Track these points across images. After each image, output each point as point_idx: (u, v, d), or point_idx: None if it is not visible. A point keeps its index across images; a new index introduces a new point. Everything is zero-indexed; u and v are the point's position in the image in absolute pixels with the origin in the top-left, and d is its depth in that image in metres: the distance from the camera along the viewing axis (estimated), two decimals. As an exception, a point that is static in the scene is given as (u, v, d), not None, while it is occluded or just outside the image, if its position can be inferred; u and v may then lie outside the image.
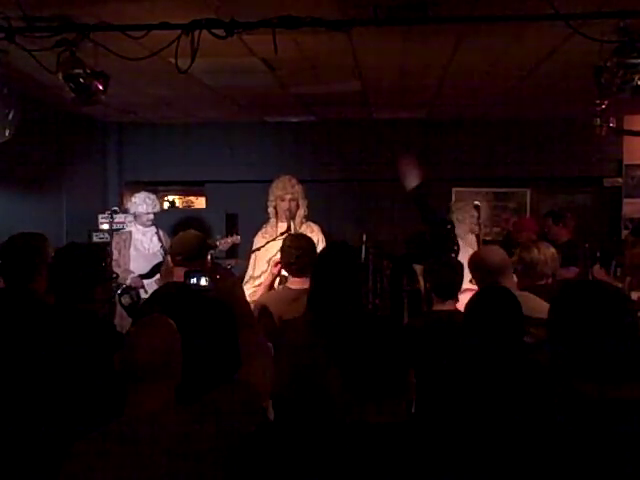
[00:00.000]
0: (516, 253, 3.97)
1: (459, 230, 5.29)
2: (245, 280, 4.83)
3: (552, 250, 3.95)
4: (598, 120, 6.14)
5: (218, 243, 5.78)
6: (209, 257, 3.68)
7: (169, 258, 3.83)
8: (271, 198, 4.92)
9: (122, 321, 5.59)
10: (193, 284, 2.39)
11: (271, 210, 4.92)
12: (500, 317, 2.46)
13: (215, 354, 2.54)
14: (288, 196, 4.83)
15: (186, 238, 3.58)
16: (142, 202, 6.13)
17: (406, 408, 2.01)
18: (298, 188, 4.89)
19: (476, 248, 5.04)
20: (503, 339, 2.42)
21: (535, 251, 3.86)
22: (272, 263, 4.24)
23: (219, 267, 2.90)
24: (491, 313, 2.47)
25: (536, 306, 3.05)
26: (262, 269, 4.81)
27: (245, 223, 6.53)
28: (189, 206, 9.28)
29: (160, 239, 6.18)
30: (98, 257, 2.84)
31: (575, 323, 1.74)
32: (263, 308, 3.42)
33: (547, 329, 1.84)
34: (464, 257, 4.95)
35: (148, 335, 2.02)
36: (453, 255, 5.13)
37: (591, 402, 1.67)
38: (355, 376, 1.90)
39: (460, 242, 5.21)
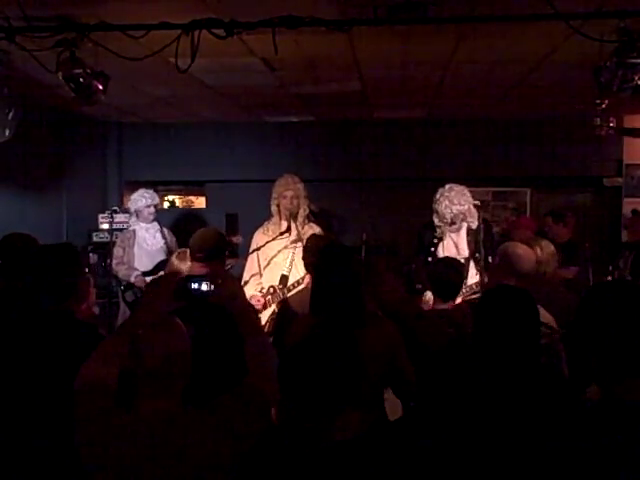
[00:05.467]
0: None
1: (443, 227, 5.01)
2: (245, 279, 4.83)
3: (552, 248, 3.98)
4: (598, 120, 6.15)
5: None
6: (227, 253, 3.66)
7: (173, 258, 3.82)
8: (274, 196, 4.89)
9: (125, 318, 5.61)
10: (194, 289, 2.35)
11: (274, 208, 4.90)
12: (516, 319, 2.40)
13: (219, 359, 2.53)
14: (290, 193, 4.81)
15: (208, 236, 3.51)
16: (140, 197, 6.14)
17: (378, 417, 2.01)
18: (300, 186, 4.89)
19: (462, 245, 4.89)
20: (518, 342, 2.36)
21: (538, 250, 3.87)
22: (254, 300, 4.32)
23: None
24: (507, 314, 2.41)
25: (547, 316, 3.07)
26: (255, 271, 4.81)
27: (245, 223, 6.53)
28: (189, 206, 9.29)
29: (164, 236, 6.19)
30: (71, 253, 2.73)
31: (609, 324, 1.74)
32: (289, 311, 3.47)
33: (576, 331, 1.84)
34: (449, 253, 4.88)
35: (159, 337, 2.01)
36: (432, 250, 4.99)
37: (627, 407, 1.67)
38: (305, 396, 1.89)
39: (445, 238, 4.99)
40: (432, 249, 4.97)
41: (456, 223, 4.86)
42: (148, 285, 2.40)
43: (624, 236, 6.93)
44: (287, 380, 1.91)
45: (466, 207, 4.82)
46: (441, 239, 4.97)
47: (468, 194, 4.90)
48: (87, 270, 3.02)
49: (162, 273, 5.80)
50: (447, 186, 4.94)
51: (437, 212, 4.93)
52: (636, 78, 3.47)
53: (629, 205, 7.32)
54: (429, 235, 5.07)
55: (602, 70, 3.54)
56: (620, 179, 7.52)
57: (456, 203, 4.81)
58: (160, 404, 1.96)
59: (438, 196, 4.93)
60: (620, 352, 1.73)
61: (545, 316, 2.98)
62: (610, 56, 3.46)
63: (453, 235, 4.91)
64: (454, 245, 4.91)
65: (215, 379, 2.37)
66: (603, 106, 5.14)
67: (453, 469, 2.07)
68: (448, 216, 4.83)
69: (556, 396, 2.24)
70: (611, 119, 6.22)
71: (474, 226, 4.87)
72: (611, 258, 5.91)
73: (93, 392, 1.99)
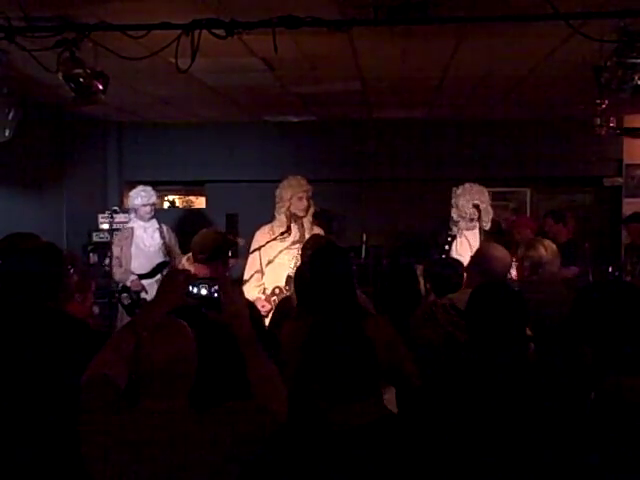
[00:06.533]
0: (520, 251, 3.97)
1: (461, 223, 5.09)
2: (245, 278, 4.82)
3: (555, 247, 3.96)
4: (598, 120, 6.15)
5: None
6: (229, 253, 3.62)
7: (184, 260, 3.80)
8: (286, 197, 4.76)
9: (123, 320, 5.57)
10: (192, 293, 2.31)
11: (283, 211, 4.78)
12: (505, 313, 2.42)
13: (218, 362, 2.51)
14: (305, 194, 4.78)
15: (210, 236, 3.49)
16: (137, 195, 6.05)
17: (377, 406, 2.05)
18: (310, 187, 4.87)
19: (473, 243, 4.91)
20: (507, 336, 2.39)
21: (542, 250, 3.86)
22: (259, 304, 4.30)
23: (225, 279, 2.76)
24: (496, 309, 2.43)
25: None
26: (256, 269, 4.80)
27: (245, 223, 6.53)
28: (189, 206, 9.29)
29: (162, 236, 6.11)
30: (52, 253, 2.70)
31: (604, 321, 1.76)
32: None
33: (569, 328, 1.86)
34: (464, 251, 4.92)
35: (164, 340, 2.01)
36: (446, 248, 5.05)
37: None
38: (328, 381, 1.92)
39: (460, 236, 5.07)
40: (446, 247, 5.04)
41: (473, 220, 4.93)
42: (164, 278, 2.36)
43: (624, 237, 6.93)
44: (309, 370, 1.93)
45: (484, 206, 4.91)
46: (455, 237, 5.04)
47: (487, 195, 5.02)
48: (86, 271, 3.02)
49: (160, 276, 5.77)
50: (467, 184, 5.05)
51: (457, 206, 5.01)
52: (636, 78, 3.46)
53: (629, 205, 7.33)
54: (443, 233, 5.15)
55: (602, 70, 3.54)
56: (620, 179, 7.52)
57: (477, 199, 4.90)
58: (165, 404, 1.96)
59: (459, 191, 5.02)
60: (612, 350, 1.75)
61: None
62: (610, 56, 3.46)
63: (467, 233, 4.97)
64: (468, 244, 4.95)
65: (216, 381, 2.36)
66: (603, 106, 5.15)
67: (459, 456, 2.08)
68: (468, 211, 4.91)
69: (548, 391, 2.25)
70: (611, 119, 6.22)
71: (487, 227, 4.94)
72: (611, 258, 5.91)
73: (99, 388, 1.99)
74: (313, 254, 3.22)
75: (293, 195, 4.75)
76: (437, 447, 2.05)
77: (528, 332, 3.09)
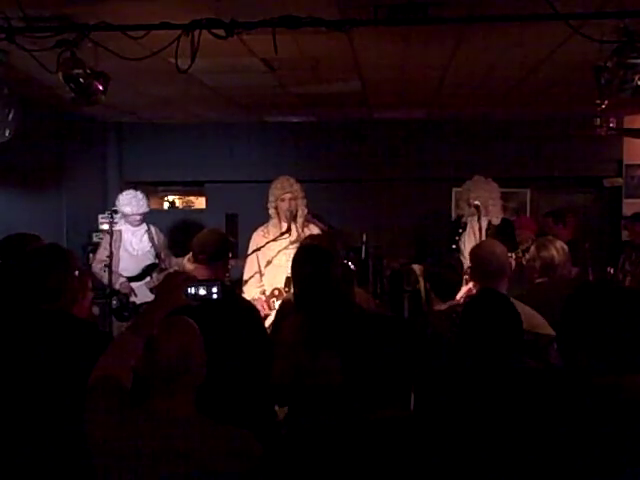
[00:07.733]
0: (531, 251, 3.96)
1: (466, 212, 5.21)
2: (245, 279, 4.82)
3: (566, 248, 3.93)
4: (598, 120, 6.15)
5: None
6: (230, 254, 3.62)
7: (184, 260, 3.79)
8: (271, 199, 4.89)
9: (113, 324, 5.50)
10: (191, 295, 2.28)
11: (272, 211, 4.89)
12: (497, 325, 2.40)
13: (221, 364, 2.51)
14: (288, 195, 4.82)
15: (210, 237, 3.46)
16: (128, 203, 5.91)
17: (406, 402, 2.06)
18: (297, 187, 4.89)
19: (478, 237, 4.94)
20: (500, 345, 2.38)
21: (554, 251, 3.83)
22: (259, 304, 4.31)
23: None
24: (489, 321, 2.41)
25: (535, 322, 3.03)
26: (255, 270, 4.81)
27: (245, 223, 6.52)
28: (189, 206, 9.27)
29: (152, 239, 6.03)
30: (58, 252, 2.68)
31: (594, 322, 1.77)
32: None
33: (562, 327, 1.86)
34: (468, 242, 4.98)
35: (171, 337, 2.01)
36: (457, 238, 5.14)
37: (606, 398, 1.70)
38: (358, 374, 1.93)
39: (469, 226, 5.18)
40: (457, 238, 5.25)
41: (481, 212, 5.05)
42: (164, 279, 2.34)
43: (624, 236, 6.92)
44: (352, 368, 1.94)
45: (484, 205, 5.06)
46: (464, 229, 5.15)
47: (497, 192, 5.27)
48: (85, 270, 2.99)
49: (149, 279, 5.74)
50: (475, 177, 5.35)
51: (464, 197, 5.24)
52: (636, 78, 3.46)
53: (629, 205, 7.33)
54: (453, 227, 5.43)
55: (602, 70, 3.54)
56: (620, 179, 7.52)
57: (487, 190, 5.12)
58: (171, 403, 1.97)
59: (468, 182, 5.30)
60: (604, 350, 1.75)
61: (532, 322, 2.95)
62: (610, 56, 3.46)
63: (475, 226, 5.03)
64: (473, 234, 5.01)
65: (218, 382, 2.36)
66: (603, 106, 5.14)
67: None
68: (475, 201, 5.07)
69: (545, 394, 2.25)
70: (611, 119, 6.22)
71: (496, 222, 5.04)
72: (611, 259, 5.90)
73: (107, 389, 1.99)
74: (294, 256, 3.31)
75: (277, 197, 4.86)
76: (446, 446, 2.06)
77: (552, 332, 3.08)
